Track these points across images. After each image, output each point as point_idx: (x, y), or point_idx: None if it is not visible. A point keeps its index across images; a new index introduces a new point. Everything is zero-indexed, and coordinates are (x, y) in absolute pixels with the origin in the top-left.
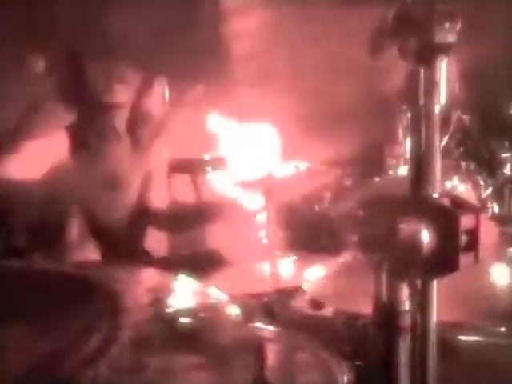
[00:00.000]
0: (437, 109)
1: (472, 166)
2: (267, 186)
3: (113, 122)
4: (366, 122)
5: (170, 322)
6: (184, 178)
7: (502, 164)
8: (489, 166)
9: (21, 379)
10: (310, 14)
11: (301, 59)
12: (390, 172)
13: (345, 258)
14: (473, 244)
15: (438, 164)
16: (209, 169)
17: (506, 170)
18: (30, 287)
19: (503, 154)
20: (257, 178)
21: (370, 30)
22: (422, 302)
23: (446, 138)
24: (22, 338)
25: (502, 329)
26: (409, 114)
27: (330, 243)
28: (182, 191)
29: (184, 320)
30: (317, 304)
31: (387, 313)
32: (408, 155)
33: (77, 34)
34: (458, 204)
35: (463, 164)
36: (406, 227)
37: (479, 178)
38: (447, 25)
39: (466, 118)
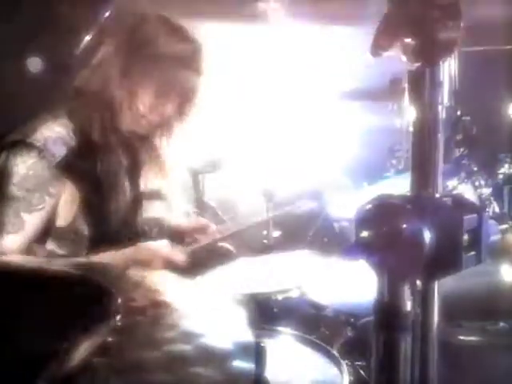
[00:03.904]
0: (440, 109)
1: (472, 165)
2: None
3: None
4: None
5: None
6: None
7: (501, 164)
8: (488, 166)
9: (21, 378)
10: None
11: None
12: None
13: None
14: (475, 244)
15: (440, 164)
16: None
17: (506, 170)
18: (29, 287)
19: (503, 154)
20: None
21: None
22: (423, 302)
23: (447, 138)
24: (21, 337)
25: (502, 329)
26: (411, 114)
27: (332, 243)
28: None
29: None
30: (316, 304)
31: (388, 313)
32: (410, 155)
33: None
34: (460, 204)
35: (463, 164)
36: (408, 227)
37: (479, 177)
38: (450, 23)
39: (466, 118)
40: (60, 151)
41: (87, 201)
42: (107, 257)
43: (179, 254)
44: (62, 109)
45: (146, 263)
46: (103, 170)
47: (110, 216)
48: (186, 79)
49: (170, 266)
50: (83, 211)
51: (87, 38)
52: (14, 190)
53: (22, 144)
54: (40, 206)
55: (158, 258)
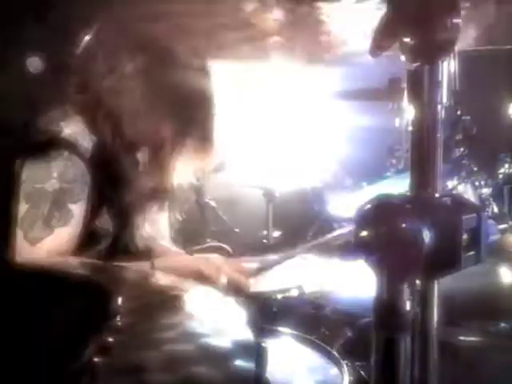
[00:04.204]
0: (439, 108)
1: (472, 165)
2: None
3: None
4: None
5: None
6: None
7: (501, 164)
8: (488, 166)
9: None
10: None
11: None
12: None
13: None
14: (474, 243)
15: (439, 164)
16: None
17: (506, 170)
18: (30, 287)
19: (503, 154)
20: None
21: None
22: (422, 302)
23: (446, 138)
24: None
25: (503, 329)
26: (410, 114)
27: (331, 242)
28: None
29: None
30: (316, 303)
31: (387, 313)
32: (409, 155)
33: None
34: (460, 203)
35: (463, 164)
36: (407, 227)
37: (479, 177)
38: (449, 22)
39: (466, 118)
40: (88, 145)
41: (108, 197)
42: (170, 263)
43: (243, 278)
44: (72, 108)
45: (208, 279)
46: (117, 168)
47: (130, 213)
48: (198, 116)
49: (232, 287)
50: (106, 207)
51: (87, 37)
52: (56, 183)
53: (55, 140)
54: (82, 196)
55: (222, 277)
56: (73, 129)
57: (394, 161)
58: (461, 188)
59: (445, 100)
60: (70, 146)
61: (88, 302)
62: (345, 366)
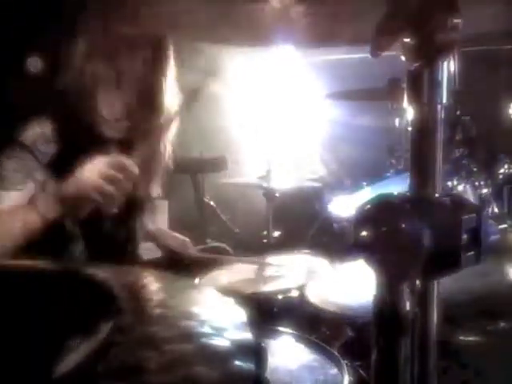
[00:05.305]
0: (439, 108)
1: (472, 166)
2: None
3: None
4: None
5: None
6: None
7: (501, 164)
8: (488, 166)
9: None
10: None
11: None
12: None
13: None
14: (474, 243)
15: (439, 164)
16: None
17: (506, 170)
18: (29, 286)
19: (503, 154)
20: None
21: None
22: (422, 302)
23: (446, 138)
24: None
25: (502, 329)
26: (410, 114)
27: (331, 243)
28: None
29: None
30: (316, 304)
31: (387, 313)
32: (409, 155)
33: None
34: (459, 204)
35: (463, 164)
36: (407, 227)
37: (479, 178)
38: (449, 23)
39: (466, 118)
40: (49, 150)
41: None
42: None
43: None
44: (48, 109)
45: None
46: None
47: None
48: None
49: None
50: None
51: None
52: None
53: (14, 143)
54: (19, 187)
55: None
56: (35, 132)
57: (393, 161)
58: (461, 188)
59: (445, 100)
60: (27, 150)
61: (87, 301)
62: (345, 365)
